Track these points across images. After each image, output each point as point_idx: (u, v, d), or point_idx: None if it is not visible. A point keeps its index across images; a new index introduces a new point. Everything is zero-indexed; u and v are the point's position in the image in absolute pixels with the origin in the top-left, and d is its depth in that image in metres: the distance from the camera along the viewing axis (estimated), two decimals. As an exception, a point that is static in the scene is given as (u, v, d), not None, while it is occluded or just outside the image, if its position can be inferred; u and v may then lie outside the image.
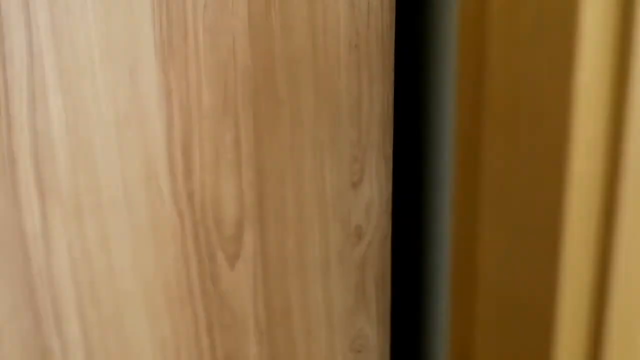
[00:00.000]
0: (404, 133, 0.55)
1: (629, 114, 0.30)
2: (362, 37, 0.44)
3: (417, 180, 0.56)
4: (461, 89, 0.41)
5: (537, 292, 0.37)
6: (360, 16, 0.44)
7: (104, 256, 0.42)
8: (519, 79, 0.35)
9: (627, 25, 0.28)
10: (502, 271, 0.40)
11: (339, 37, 0.44)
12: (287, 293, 0.49)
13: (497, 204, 0.40)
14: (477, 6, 0.37)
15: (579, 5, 0.29)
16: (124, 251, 0.42)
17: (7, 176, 0.37)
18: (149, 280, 0.44)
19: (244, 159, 0.44)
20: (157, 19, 0.38)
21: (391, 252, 0.53)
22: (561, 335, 0.36)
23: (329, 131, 0.46)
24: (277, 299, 0.49)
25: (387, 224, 0.52)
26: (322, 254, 0.50)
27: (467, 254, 0.43)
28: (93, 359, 0.43)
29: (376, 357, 0.56)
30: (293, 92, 0.44)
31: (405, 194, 0.58)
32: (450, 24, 0.45)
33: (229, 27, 0.40)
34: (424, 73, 0.51)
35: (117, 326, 0.44)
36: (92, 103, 0.39)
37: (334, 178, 0.48)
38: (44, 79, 0.37)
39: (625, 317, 0.35)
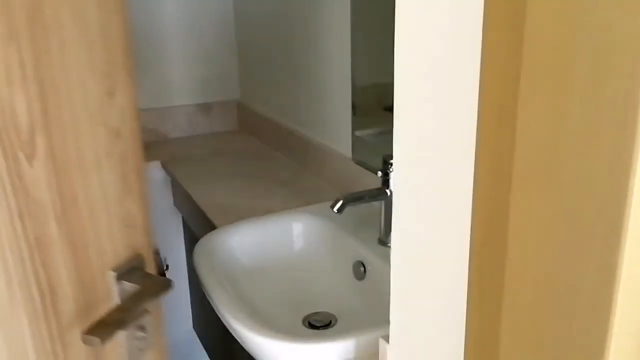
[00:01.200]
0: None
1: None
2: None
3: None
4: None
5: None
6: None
7: None
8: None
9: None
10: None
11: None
12: (73, 184, 0.64)
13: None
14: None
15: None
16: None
17: None
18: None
19: (29, 77, 0.57)
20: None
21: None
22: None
23: (87, 52, 0.62)
24: (66, 189, 0.63)
25: (137, 125, 0.71)
26: (94, 152, 0.66)
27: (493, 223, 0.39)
28: None
29: (142, 230, 0.75)
30: (58, 24, 0.59)
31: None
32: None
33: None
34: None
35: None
36: None
37: (94, 90, 0.64)
38: None
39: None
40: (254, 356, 0.96)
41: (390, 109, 1.40)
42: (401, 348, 0.67)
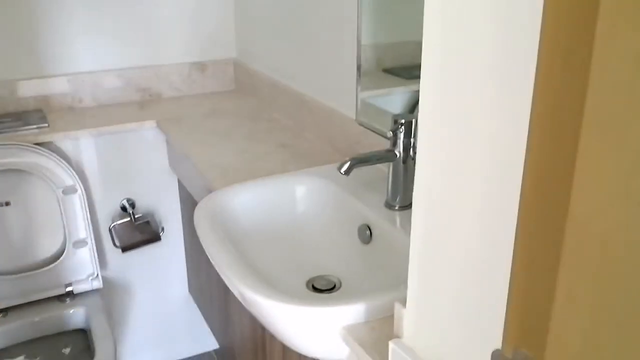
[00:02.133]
0: None
1: None
2: None
3: None
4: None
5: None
6: None
7: None
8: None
9: None
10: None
11: None
12: None
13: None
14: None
15: None
16: None
17: None
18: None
19: None
20: None
21: None
22: None
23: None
24: None
25: None
26: None
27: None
28: None
29: None
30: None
31: None
32: None
33: None
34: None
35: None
36: None
37: None
38: None
39: None
40: (257, 318, 0.93)
41: (389, 70, 1.35)
42: (420, 312, 0.64)
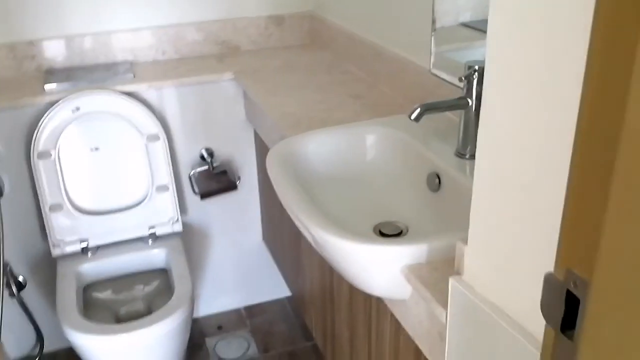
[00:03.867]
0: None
1: None
2: None
3: None
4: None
5: None
6: None
7: None
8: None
9: None
10: None
11: None
12: None
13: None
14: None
15: None
16: None
17: None
18: None
19: None
20: None
21: None
22: None
23: None
24: None
25: None
26: None
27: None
28: None
29: None
30: None
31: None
32: None
33: None
34: None
35: None
36: None
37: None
38: None
39: None
40: (326, 259, 0.97)
41: (467, 24, 1.31)
42: (480, 249, 0.65)
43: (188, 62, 1.88)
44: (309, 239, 0.97)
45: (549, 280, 0.42)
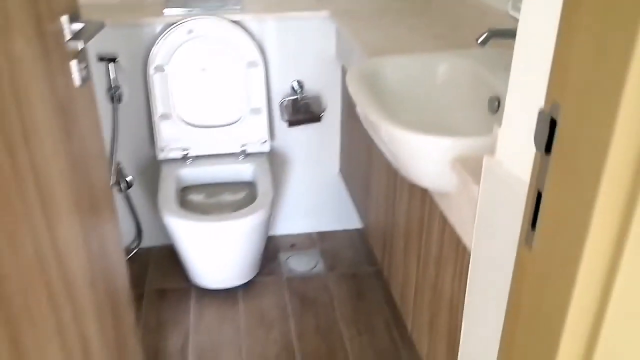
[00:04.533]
0: None
1: None
2: None
3: None
4: None
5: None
6: None
7: None
8: None
9: None
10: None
11: None
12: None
13: None
14: None
15: None
16: None
17: None
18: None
19: None
20: None
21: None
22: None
23: None
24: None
25: None
26: None
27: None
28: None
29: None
30: None
31: None
32: None
33: None
34: None
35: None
36: None
37: None
38: None
39: None
40: (391, 156, 1.14)
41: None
42: (510, 130, 0.79)
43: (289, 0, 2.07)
44: (378, 140, 1.14)
45: (540, 115, 0.57)
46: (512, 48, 1.23)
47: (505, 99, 1.18)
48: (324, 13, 1.96)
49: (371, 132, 1.21)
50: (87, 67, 1.12)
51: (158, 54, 1.88)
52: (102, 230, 1.22)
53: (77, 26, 1.06)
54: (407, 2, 2.04)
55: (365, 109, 1.14)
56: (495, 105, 1.20)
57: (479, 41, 1.13)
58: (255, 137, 2.02)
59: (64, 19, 1.03)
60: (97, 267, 1.16)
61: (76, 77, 1.07)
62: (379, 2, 2.04)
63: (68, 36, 1.04)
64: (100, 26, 1.10)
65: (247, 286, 2.04)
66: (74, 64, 1.06)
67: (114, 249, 1.29)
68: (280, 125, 2.13)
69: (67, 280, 1.01)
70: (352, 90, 1.25)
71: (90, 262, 1.12)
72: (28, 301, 0.86)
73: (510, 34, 1.14)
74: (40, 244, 0.90)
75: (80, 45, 1.04)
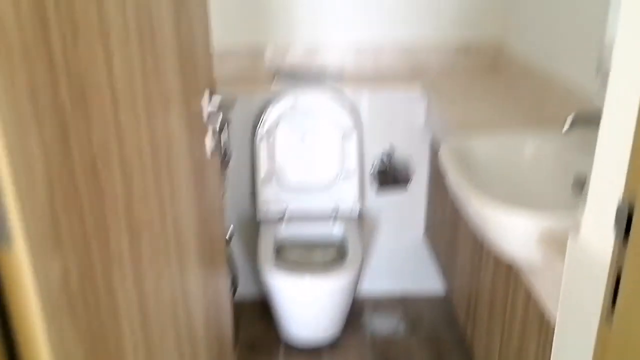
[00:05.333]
0: None
1: None
2: None
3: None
4: None
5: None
6: None
7: None
8: None
9: None
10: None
11: None
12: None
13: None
14: None
15: None
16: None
17: None
18: None
19: None
20: None
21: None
22: None
23: None
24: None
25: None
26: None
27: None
28: None
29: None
30: None
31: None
32: None
33: None
34: None
35: None
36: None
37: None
38: None
39: None
40: (478, 229, 1.24)
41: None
42: (595, 211, 0.88)
43: (384, 73, 2.24)
44: (467, 212, 1.25)
45: (619, 203, 0.67)
46: (597, 132, 1.32)
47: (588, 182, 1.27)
48: (415, 87, 2.11)
49: (460, 204, 1.32)
50: (218, 139, 1.31)
51: (266, 122, 2.09)
52: (216, 280, 1.38)
53: (215, 101, 1.26)
54: (495, 79, 2.16)
55: (456, 184, 1.26)
56: (580, 187, 1.29)
57: (566, 126, 1.23)
58: (346, 200, 2.17)
59: (206, 95, 1.23)
60: (211, 314, 1.32)
61: (209, 148, 1.26)
62: (468, 79, 2.17)
63: (207, 110, 1.23)
64: (233, 102, 1.29)
65: (332, 344, 2.14)
66: (209, 137, 1.26)
67: (224, 299, 1.45)
68: (371, 189, 2.27)
69: (191, 325, 1.16)
70: (445, 166, 1.37)
71: (206, 309, 1.28)
72: (162, 343, 1.01)
73: (596, 118, 1.24)
74: (174, 291, 1.06)
75: (217, 121, 1.23)
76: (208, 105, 1.23)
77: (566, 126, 1.23)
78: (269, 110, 2.08)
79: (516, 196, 1.38)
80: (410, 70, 2.28)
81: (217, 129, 1.27)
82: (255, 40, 2.23)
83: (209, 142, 1.26)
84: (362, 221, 2.30)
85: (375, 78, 2.21)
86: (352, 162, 2.13)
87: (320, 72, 2.23)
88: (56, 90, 0.63)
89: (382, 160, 2.23)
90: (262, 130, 2.09)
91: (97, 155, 0.72)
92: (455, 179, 1.27)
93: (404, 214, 2.33)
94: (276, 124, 2.09)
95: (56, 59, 0.63)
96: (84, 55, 0.70)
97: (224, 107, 1.25)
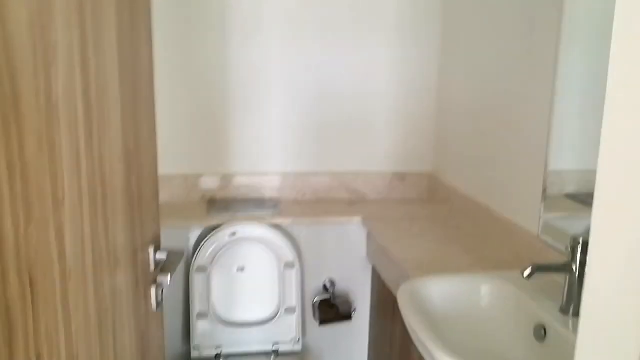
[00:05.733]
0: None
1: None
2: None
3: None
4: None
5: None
6: None
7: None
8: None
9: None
10: None
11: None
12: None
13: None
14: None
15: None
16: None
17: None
18: None
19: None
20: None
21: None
22: None
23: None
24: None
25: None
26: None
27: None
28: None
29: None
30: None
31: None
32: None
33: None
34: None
35: None
36: None
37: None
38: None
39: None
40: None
41: (573, 196, 1.55)
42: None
43: (323, 203, 2.22)
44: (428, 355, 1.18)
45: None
46: (553, 279, 1.31)
47: (551, 328, 1.25)
48: (356, 219, 2.10)
49: (422, 351, 1.26)
50: (163, 292, 1.20)
51: (200, 256, 1.98)
52: None
53: (161, 255, 1.16)
54: (432, 210, 2.19)
55: (417, 333, 1.20)
56: (542, 334, 1.26)
57: (525, 275, 1.22)
58: (287, 336, 2.05)
59: (151, 249, 1.13)
60: None
61: (154, 302, 1.15)
62: (406, 209, 2.19)
63: (153, 265, 1.13)
64: (181, 256, 1.20)
65: None
66: (153, 291, 1.14)
67: None
68: (312, 323, 2.17)
69: None
70: (403, 311, 1.31)
71: None
72: None
73: (552, 269, 1.25)
74: None
75: (164, 277, 1.13)
76: (153, 260, 1.13)
77: (526, 273, 1.22)
78: (204, 242, 1.98)
79: (478, 344, 1.34)
80: (348, 197, 2.28)
81: (162, 282, 1.16)
82: (190, 169, 2.16)
83: (154, 295, 1.15)
84: (303, 357, 2.17)
85: (314, 207, 2.19)
86: (293, 295, 2.04)
87: (258, 201, 2.18)
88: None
89: (324, 292, 2.15)
90: (197, 263, 1.98)
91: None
92: (415, 328, 1.22)
93: (348, 346, 2.23)
94: (212, 257, 1.98)
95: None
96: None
97: (171, 261, 1.16)
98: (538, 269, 1.23)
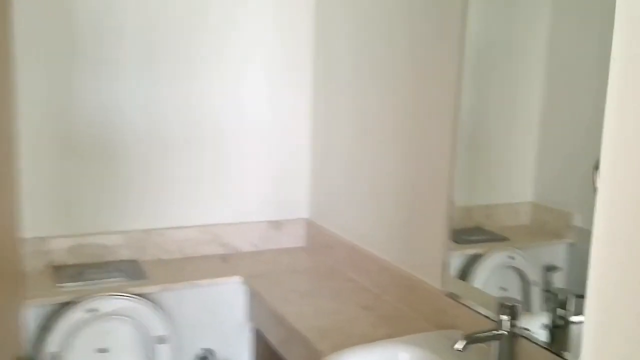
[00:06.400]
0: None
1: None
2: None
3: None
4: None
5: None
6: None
7: None
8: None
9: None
10: None
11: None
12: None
13: None
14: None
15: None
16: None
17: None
18: None
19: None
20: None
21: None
22: None
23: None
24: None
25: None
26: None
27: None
28: None
29: None
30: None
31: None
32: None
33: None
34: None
35: None
36: None
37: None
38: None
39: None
40: None
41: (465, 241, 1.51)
42: None
43: (193, 261, 1.97)
44: None
45: None
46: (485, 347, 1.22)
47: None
48: (236, 278, 1.88)
49: None
50: None
51: (54, 339, 1.62)
52: None
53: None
54: (315, 260, 2.06)
55: None
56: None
57: (460, 348, 1.13)
58: (161, 422, 1.76)
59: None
60: None
61: None
62: (286, 261, 2.03)
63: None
64: None
65: None
66: None
67: None
68: (188, 402, 1.89)
69: None
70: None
71: None
72: None
73: (486, 339, 1.17)
74: None
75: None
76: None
77: (458, 345, 1.13)
78: (57, 320, 1.62)
79: None
80: (223, 254, 2.06)
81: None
82: (31, 231, 1.79)
83: None
84: None
85: (184, 267, 1.93)
86: (167, 373, 1.76)
87: (116, 265, 1.87)
88: None
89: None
90: (49, 345, 1.61)
91: None
92: None
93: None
94: (66, 339, 1.63)
95: None
96: None
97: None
98: (471, 341, 1.14)
